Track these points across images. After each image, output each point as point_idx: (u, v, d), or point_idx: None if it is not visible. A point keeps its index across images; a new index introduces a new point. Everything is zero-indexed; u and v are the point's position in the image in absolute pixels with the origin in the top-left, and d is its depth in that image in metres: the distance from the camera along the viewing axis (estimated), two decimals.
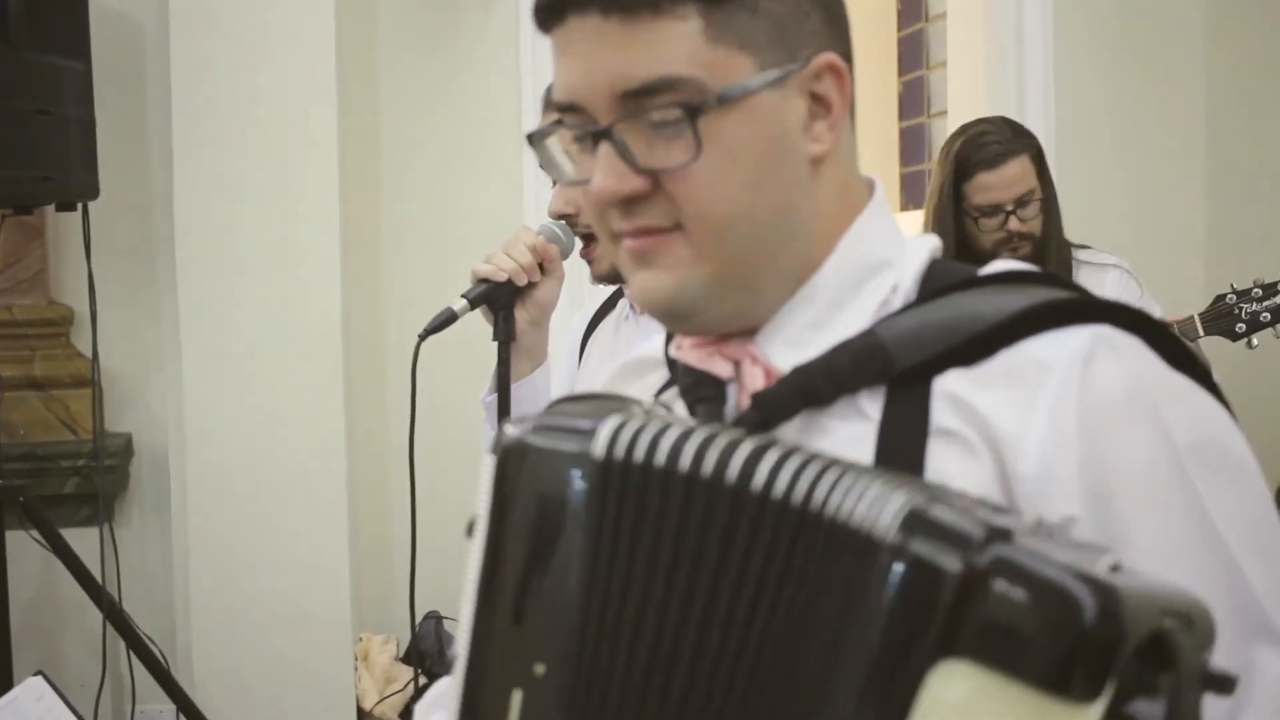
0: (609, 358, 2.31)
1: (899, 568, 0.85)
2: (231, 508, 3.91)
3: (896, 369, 1.06)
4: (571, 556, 0.99)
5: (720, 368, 1.14)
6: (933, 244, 1.17)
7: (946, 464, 1.03)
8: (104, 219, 3.74)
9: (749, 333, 1.14)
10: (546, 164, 1.23)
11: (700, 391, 1.14)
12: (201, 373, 3.90)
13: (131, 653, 3.63)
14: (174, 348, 3.96)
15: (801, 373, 1.09)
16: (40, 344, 4.03)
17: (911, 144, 6.26)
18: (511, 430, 1.05)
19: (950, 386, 1.05)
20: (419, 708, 1.30)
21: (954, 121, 4.84)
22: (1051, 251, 3.39)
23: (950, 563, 0.82)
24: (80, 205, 3.60)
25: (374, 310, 4.18)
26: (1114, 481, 1.01)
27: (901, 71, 6.39)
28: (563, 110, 1.13)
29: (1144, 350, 1.07)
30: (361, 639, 4.08)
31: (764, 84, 1.08)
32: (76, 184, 3.53)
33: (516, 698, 1.01)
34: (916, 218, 5.95)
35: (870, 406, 1.07)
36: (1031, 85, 4.32)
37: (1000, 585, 0.80)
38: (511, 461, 1.04)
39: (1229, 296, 2.94)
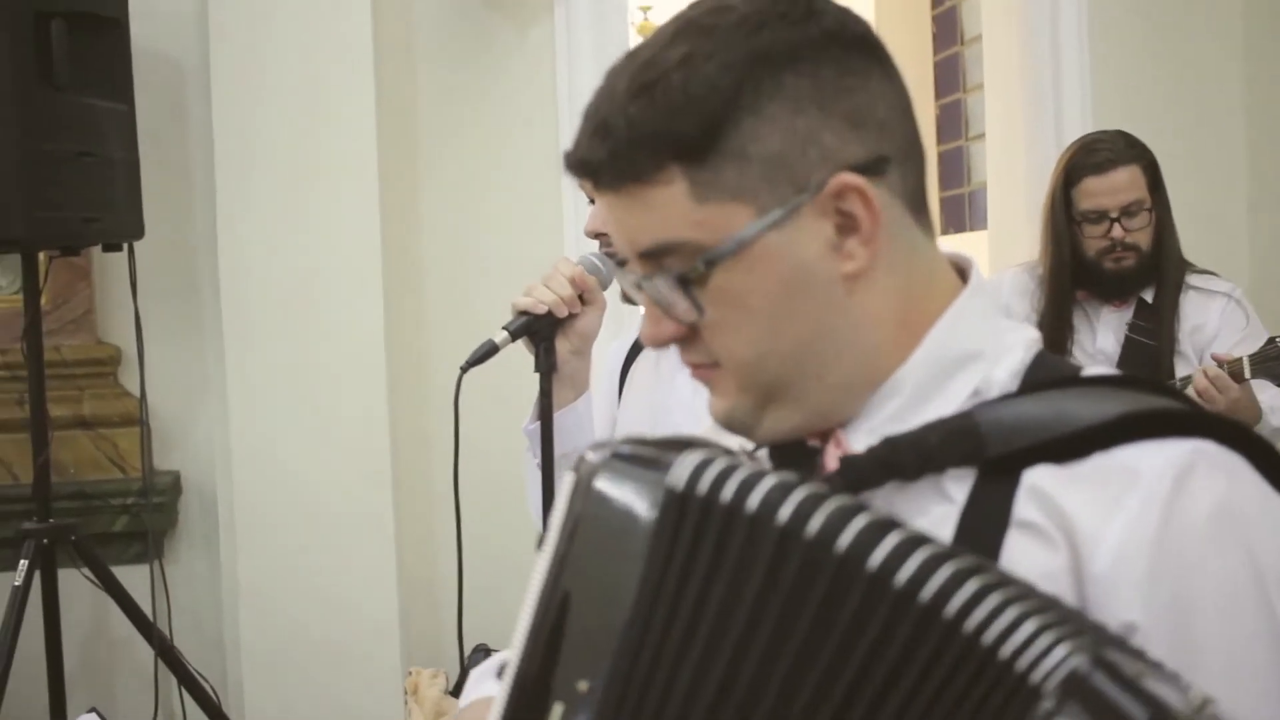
0: (652, 387, 2.31)
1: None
2: (279, 543, 3.92)
3: (986, 454, 1.05)
4: (631, 582, 1.01)
5: (810, 440, 1.15)
6: (1030, 336, 1.15)
7: (1023, 555, 1.02)
8: (149, 259, 3.78)
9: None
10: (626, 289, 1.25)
11: (789, 454, 1.15)
12: (247, 409, 3.93)
13: (183, 689, 3.65)
14: (219, 385, 3.99)
15: (890, 444, 1.08)
16: (88, 383, 4.06)
17: (950, 167, 6.25)
18: (591, 455, 1.08)
19: (1037, 480, 1.04)
20: (473, 674, 1.32)
21: (992, 144, 4.84)
22: (1165, 270, 3.39)
23: None
24: (126, 245, 3.63)
25: (418, 343, 4.20)
26: (1192, 604, 0.99)
27: (938, 95, 6.39)
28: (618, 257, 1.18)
29: (1243, 469, 1.05)
30: (411, 673, 4.08)
31: (765, 228, 1.06)
32: (122, 224, 3.56)
33: (557, 710, 1.03)
34: (962, 241, 5.93)
35: (956, 490, 1.07)
36: (1069, 105, 4.31)
37: None
38: (588, 482, 1.06)
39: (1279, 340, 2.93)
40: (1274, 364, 2.91)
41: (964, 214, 6.08)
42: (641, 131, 1.06)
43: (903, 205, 1.12)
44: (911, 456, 1.07)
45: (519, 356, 2.25)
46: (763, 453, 1.19)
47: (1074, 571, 1.01)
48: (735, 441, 1.16)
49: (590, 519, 1.06)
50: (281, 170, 3.91)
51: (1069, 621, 0.88)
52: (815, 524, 0.94)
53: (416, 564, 4.10)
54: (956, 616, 0.89)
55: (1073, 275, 3.44)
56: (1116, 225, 3.35)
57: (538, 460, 2.23)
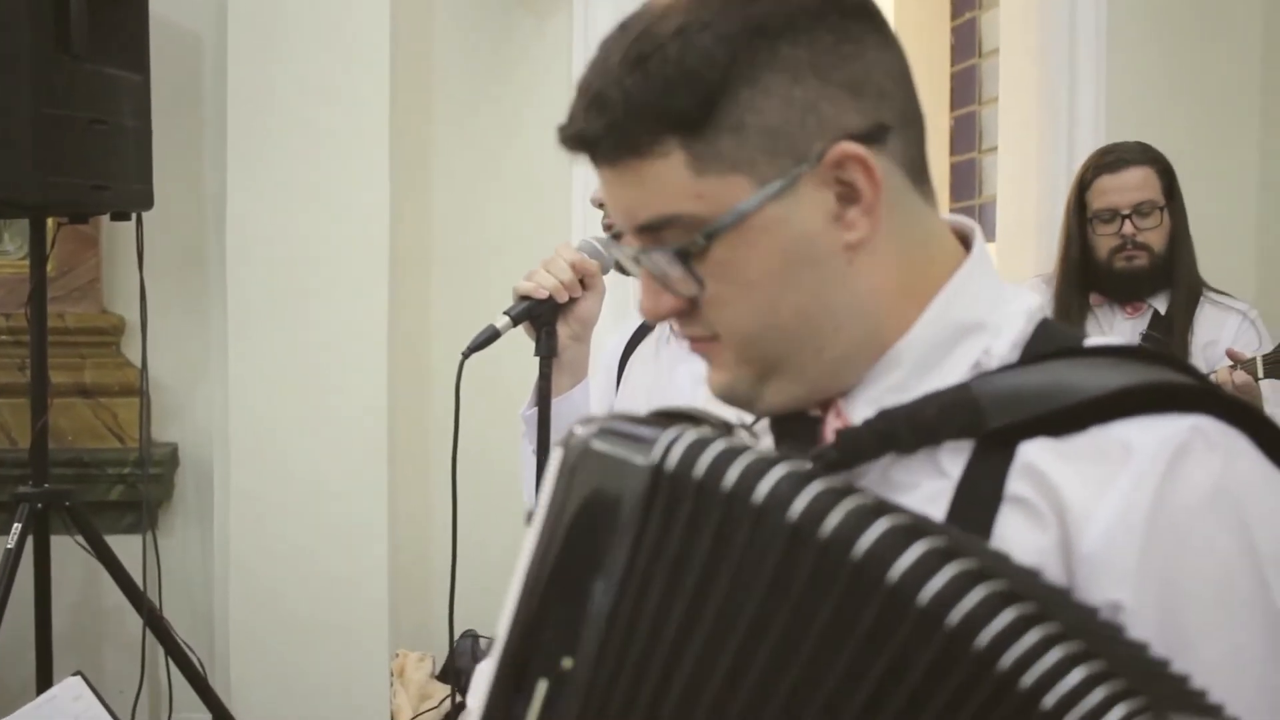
0: (651, 379, 2.31)
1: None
2: (272, 519, 3.93)
3: (986, 427, 1.04)
4: (613, 559, 1.00)
5: (812, 410, 1.14)
6: (1032, 304, 1.13)
7: (1014, 532, 1.00)
8: (157, 230, 3.79)
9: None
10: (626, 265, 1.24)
11: (789, 425, 1.14)
12: (248, 385, 3.94)
13: (170, 660, 3.66)
14: (221, 360, 4.00)
15: (886, 416, 1.07)
16: (91, 352, 4.07)
17: (962, 179, 6.24)
18: (579, 430, 1.07)
19: (1032, 454, 1.02)
20: (480, 668, 1.31)
21: (1005, 156, 4.84)
22: (1178, 278, 3.42)
23: None
24: (134, 215, 3.64)
25: (420, 326, 4.21)
26: (1185, 587, 0.97)
27: (953, 107, 6.39)
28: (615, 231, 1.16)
29: (1244, 446, 1.02)
30: (398, 655, 4.09)
31: (765, 199, 1.05)
32: (131, 194, 3.57)
33: (541, 687, 1.03)
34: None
35: (951, 464, 1.05)
36: (1082, 120, 4.31)
37: None
38: (574, 459, 1.06)
39: None
40: None
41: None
42: (637, 105, 1.04)
43: (903, 174, 1.10)
44: (908, 429, 1.05)
45: (520, 344, 2.25)
46: (763, 424, 1.18)
47: (1063, 549, 0.99)
48: (733, 414, 1.16)
49: (576, 494, 1.05)
50: (293, 148, 3.91)
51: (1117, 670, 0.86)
52: (798, 506, 0.92)
53: (409, 547, 4.10)
54: (962, 627, 0.87)
55: (1083, 275, 3.47)
56: (1128, 222, 3.38)
57: (534, 446, 2.23)
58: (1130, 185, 3.41)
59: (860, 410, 1.10)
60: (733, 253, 1.06)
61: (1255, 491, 1.00)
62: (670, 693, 0.97)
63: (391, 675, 4.04)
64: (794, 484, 0.93)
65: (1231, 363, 3.02)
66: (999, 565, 0.90)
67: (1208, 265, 3.60)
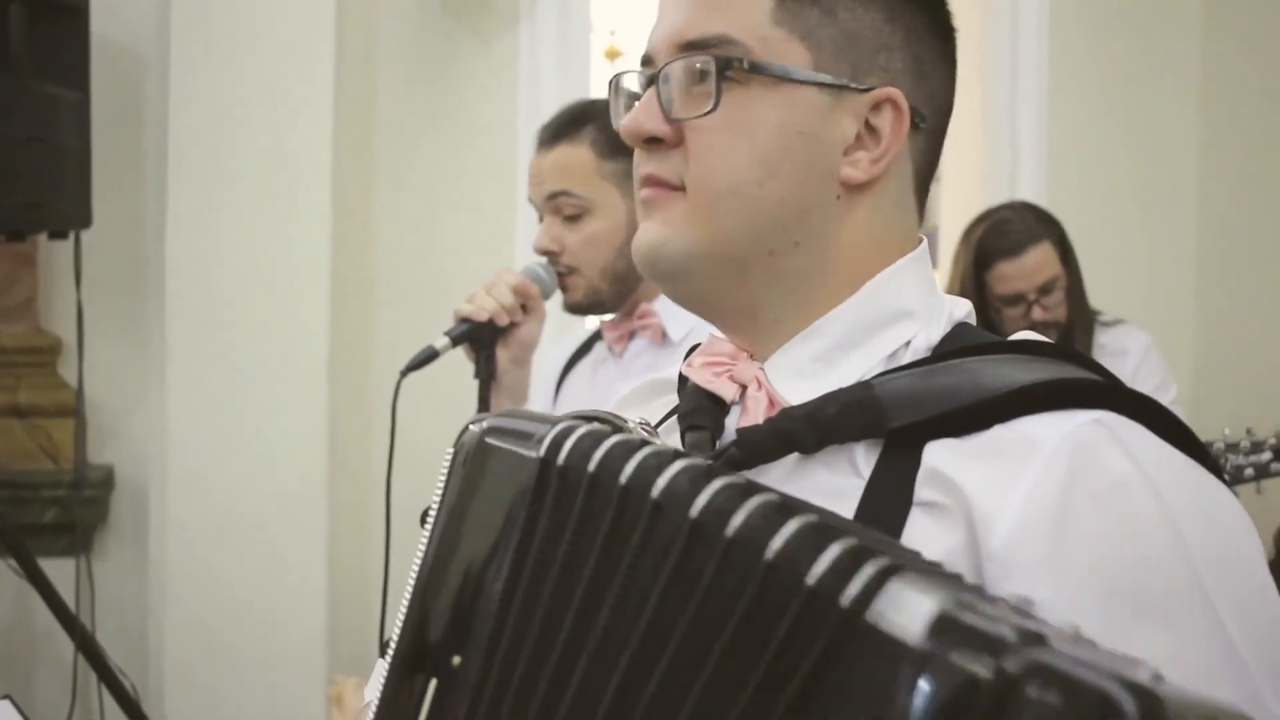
0: (587, 398, 2.31)
1: (928, 678, 0.74)
2: (210, 544, 3.89)
3: (888, 427, 1.03)
4: (502, 554, 1.00)
5: (726, 389, 1.14)
6: (966, 307, 1.15)
7: (923, 533, 0.99)
8: (96, 249, 3.75)
9: (760, 356, 1.15)
10: (614, 112, 1.24)
11: (695, 419, 1.14)
12: (186, 407, 3.89)
13: (102, 686, 3.60)
14: (159, 381, 3.95)
15: (786, 416, 1.07)
16: (26, 372, 4.01)
17: None
18: (473, 426, 1.08)
19: (937, 457, 1.01)
20: (380, 663, 1.31)
21: (949, 188, 4.87)
22: (1077, 335, 3.37)
23: (982, 670, 0.72)
24: (72, 234, 3.60)
25: (361, 351, 4.18)
26: (1111, 573, 0.95)
27: None
28: (642, 64, 1.16)
29: (1148, 437, 1.01)
30: (335, 681, 4.04)
31: (810, 80, 1.09)
32: (69, 213, 3.53)
33: (431, 685, 1.03)
34: None
35: (864, 463, 1.05)
36: (1025, 152, 4.36)
37: (1035, 690, 0.69)
38: (464, 455, 1.07)
39: (1217, 444, 2.88)
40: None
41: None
42: None
43: (913, 168, 1.16)
44: (808, 428, 1.05)
45: (460, 365, 2.24)
46: (670, 423, 1.18)
47: (972, 548, 0.97)
48: (651, 409, 1.16)
49: (467, 489, 1.06)
50: (235, 168, 3.88)
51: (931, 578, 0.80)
52: (700, 502, 0.89)
53: (348, 571, 4.07)
54: (779, 558, 0.82)
55: None
56: (1036, 307, 3.32)
57: None
58: (1033, 268, 3.32)
59: (784, 379, 1.11)
60: (756, 103, 1.09)
61: (1165, 477, 0.99)
62: (567, 690, 0.94)
63: (329, 701, 4.00)
64: (694, 479, 0.90)
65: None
66: (904, 556, 0.84)
67: (1145, 307, 3.62)
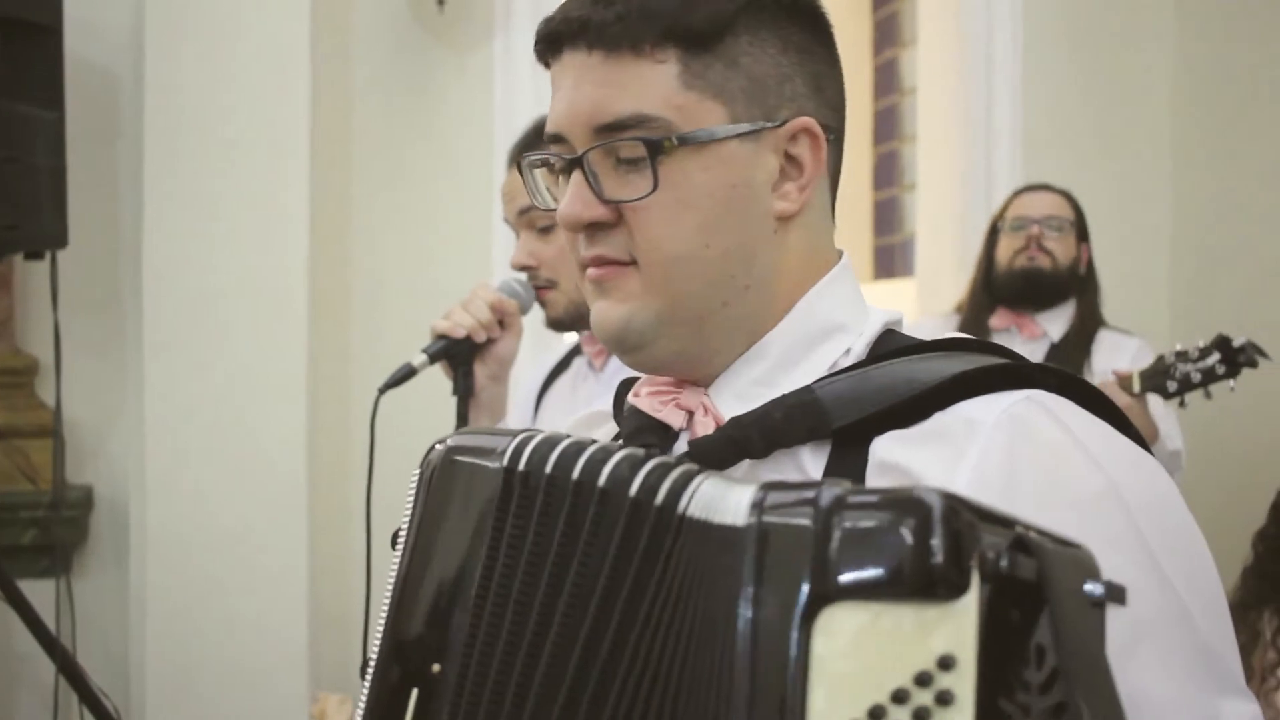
0: (568, 413, 2.30)
1: (755, 543, 0.87)
2: (190, 563, 3.87)
3: (831, 427, 1.08)
4: (474, 561, 1.04)
5: (673, 418, 1.18)
6: (893, 315, 1.20)
7: None
8: (72, 270, 3.73)
9: (704, 383, 1.18)
10: (531, 191, 1.27)
11: (643, 439, 1.17)
12: (164, 426, 3.88)
13: (84, 708, 3.58)
14: (137, 400, 3.94)
15: (736, 424, 1.11)
16: (3, 393, 4.00)
17: (884, 216, 6.29)
18: (438, 446, 1.12)
19: (883, 451, 1.07)
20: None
21: (925, 194, 4.88)
22: (1080, 308, 3.52)
23: (801, 520, 0.84)
24: (49, 255, 3.58)
25: (339, 367, 4.17)
26: (1051, 518, 0.95)
27: (876, 143, 6.44)
28: (550, 142, 1.18)
29: (1078, 410, 1.08)
30: (318, 698, 4.03)
31: (732, 134, 1.12)
32: (45, 233, 3.51)
33: (413, 695, 1.06)
34: (890, 288, 5.98)
35: (812, 465, 1.10)
36: (1000, 158, 4.36)
37: (850, 519, 0.82)
38: (430, 473, 1.11)
39: (1168, 356, 2.98)
40: (1160, 378, 2.95)
41: (893, 262, 6.13)
42: (654, 8, 1.11)
43: (828, 181, 1.19)
44: (758, 434, 1.10)
45: (438, 382, 2.24)
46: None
47: None
48: (602, 433, 1.18)
49: (435, 504, 1.10)
50: (210, 186, 3.88)
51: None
52: (637, 481, 0.98)
53: (329, 588, 4.06)
54: (668, 506, 0.95)
55: (986, 292, 3.57)
56: (1035, 226, 3.49)
57: None
58: (1043, 201, 3.54)
59: (727, 403, 1.15)
60: (690, 170, 1.12)
61: (1093, 440, 1.06)
62: (534, 679, 0.99)
63: (311, 719, 3.98)
64: (632, 465, 0.98)
65: (1115, 379, 3.05)
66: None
67: (1121, 307, 3.65)
